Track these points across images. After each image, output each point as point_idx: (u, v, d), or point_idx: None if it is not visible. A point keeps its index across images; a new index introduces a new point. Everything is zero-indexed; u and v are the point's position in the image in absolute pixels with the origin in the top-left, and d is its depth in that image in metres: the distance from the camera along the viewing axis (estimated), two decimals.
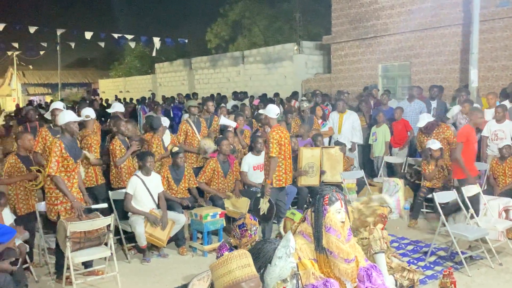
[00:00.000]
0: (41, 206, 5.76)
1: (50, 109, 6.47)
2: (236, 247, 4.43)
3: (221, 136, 7.69)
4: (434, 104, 9.41)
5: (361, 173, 7.98)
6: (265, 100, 13.32)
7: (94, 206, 5.54)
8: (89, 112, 6.75)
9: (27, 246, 5.29)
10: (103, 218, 5.18)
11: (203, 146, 7.58)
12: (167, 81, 23.88)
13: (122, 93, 26.83)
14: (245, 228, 4.48)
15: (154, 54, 20.31)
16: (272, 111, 6.22)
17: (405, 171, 8.54)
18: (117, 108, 8.50)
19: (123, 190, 6.17)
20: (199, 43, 27.69)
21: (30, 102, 26.07)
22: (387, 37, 12.55)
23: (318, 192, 3.66)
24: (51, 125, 6.40)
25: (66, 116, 5.34)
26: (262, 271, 2.92)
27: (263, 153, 6.94)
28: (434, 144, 7.24)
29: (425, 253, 5.94)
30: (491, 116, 7.93)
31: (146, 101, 17.88)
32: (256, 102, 13.09)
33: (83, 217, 5.17)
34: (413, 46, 12.01)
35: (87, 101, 18.27)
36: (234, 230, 4.60)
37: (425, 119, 7.73)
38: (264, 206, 6.02)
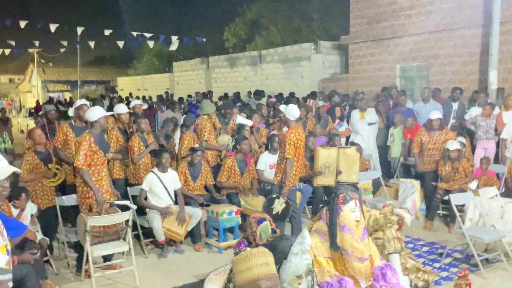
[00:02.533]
0: (63, 201, 5.90)
1: (75, 106, 6.60)
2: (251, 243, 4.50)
3: (239, 134, 7.77)
4: (455, 106, 9.33)
5: (377, 174, 7.97)
6: (281, 99, 13.37)
7: (116, 202, 5.65)
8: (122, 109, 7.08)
9: (48, 239, 5.42)
10: (122, 213, 5.29)
11: (223, 142, 7.70)
12: (185, 80, 24.04)
13: (140, 91, 27.08)
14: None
15: (172, 49, 20.36)
16: (292, 113, 6.21)
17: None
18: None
19: (140, 186, 6.29)
20: (216, 42, 27.81)
21: (50, 99, 26.50)
22: (405, 37, 12.47)
23: (333, 191, 3.70)
24: (72, 121, 6.53)
25: (97, 112, 5.50)
26: (277, 266, 2.97)
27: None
28: (452, 144, 7.18)
29: (441, 254, 5.92)
30: (511, 119, 7.86)
31: (163, 99, 18.05)
32: (272, 100, 13.13)
33: (102, 212, 5.29)
34: (431, 47, 11.92)
35: (105, 99, 18.52)
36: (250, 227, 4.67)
37: (437, 114, 7.71)
38: (279, 206, 6.06)
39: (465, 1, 11.02)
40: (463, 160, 7.29)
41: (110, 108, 11.66)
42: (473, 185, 6.08)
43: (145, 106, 11.45)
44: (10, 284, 2.68)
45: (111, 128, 7.11)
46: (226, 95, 17.01)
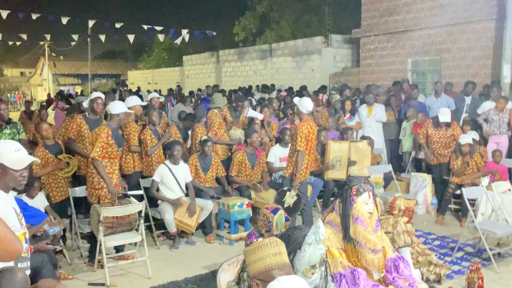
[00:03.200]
0: (75, 192, 5.95)
1: (89, 98, 6.63)
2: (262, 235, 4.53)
3: (249, 127, 7.78)
4: (468, 100, 9.26)
5: (388, 168, 7.95)
6: (291, 93, 13.36)
7: (129, 193, 5.70)
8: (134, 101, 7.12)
9: (61, 230, 5.47)
10: (135, 204, 5.33)
11: (236, 136, 7.72)
12: (195, 74, 24.07)
13: (150, 84, 27.18)
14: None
15: (178, 41, 20.37)
16: (305, 105, 6.20)
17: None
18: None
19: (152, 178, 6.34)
20: (226, 36, 27.79)
21: (61, 92, 26.64)
22: (417, 31, 12.38)
23: (346, 183, 3.70)
24: (86, 113, 6.57)
25: (119, 106, 5.58)
26: (291, 256, 2.99)
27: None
28: (463, 138, 7.14)
29: (452, 248, 5.90)
30: None
31: (174, 93, 18.11)
32: (283, 94, 13.13)
33: (115, 203, 5.33)
34: (444, 41, 11.82)
35: (116, 92, 18.59)
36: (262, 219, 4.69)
37: (445, 114, 7.58)
38: (290, 199, 6.07)
39: None
40: (476, 155, 7.25)
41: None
42: (485, 181, 6.05)
43: (162, 99, 11.52)
44: (28, 271, 2.73)
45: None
46: (239, 89, 17.01)
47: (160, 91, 20.62)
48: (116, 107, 5.61)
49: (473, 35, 11.18)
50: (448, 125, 7.65)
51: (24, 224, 2.86)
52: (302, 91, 13.24)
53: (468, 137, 7.21)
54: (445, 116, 7.56)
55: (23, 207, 4.18)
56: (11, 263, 2.69)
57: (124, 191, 5.74)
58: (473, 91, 9.41)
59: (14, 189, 2.98)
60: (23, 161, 2.84)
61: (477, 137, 7.76)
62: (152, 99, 8.57)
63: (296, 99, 6.54)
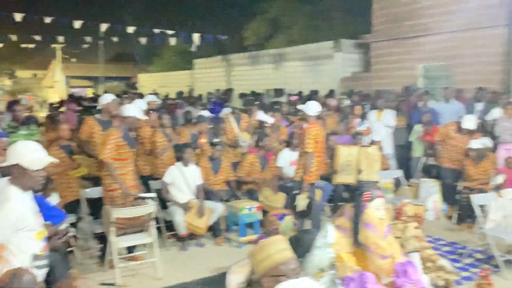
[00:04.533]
0: (87, 193, 6.03)
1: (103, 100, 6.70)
2: None
3: (260, 131, 7.84)
4: (479, 106, 9.22)
5: (398, 173, 7.94)
6: (301, 97, 13.38)
7: (142, 195, 5.76)
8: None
9: (73, 229, 5.55)
10: (146, 206, 5.39)
11: (238, 140, 7.78)
12: (205, 77, 24.16)
13: (161, 87, 27.30)
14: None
15: (193, 49, 20.55)
16: (312, 108, 6.27)
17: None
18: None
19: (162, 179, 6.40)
20: (237, 40, 27.87)
21: (72, 95, 26.85)
22: (428, 37, 12.37)
23: (358, 188, 3.73)
24: (97, 115, 6.64)
25: (132, 110, 5.65)
26: (301, 259, 3.02)
27: None
28: (473, 143, 7.12)
29: (461, 254, 5.89)
30: None
31: (184, 95, 18.17)
32: (293, 98, 13.16)
33: (127, 204, 5.40)
34: (455, 46, 11.80)
35: (126, 95, 18.70)
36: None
37: (471, 121, 7.54)
38: (302, 202, 6.09)
39: (489, 0, 10.89)
40: (487, 160, 7.21)
41: None
42: (500, 179, 6.06)
43: (159, 102, 11.65)
44: (45, 270, 2.79)
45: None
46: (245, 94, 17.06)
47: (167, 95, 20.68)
48: (128, 110, 5.68)
49: (484, 41, 11.15)
50: (471, 133, 7.52)
51: (42, 223, 2.93)
52: (312, 96, 13.25)
53: (479, 143, 7.18)
54: (469, 122, 7.51)
55: (46, 207, 4.25)
56: (27, 263, 2.77)
57: (140, 193, 5.80)
58: (483, 97, 9.37)
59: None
60: (42, 162, 2.92)
61: (489, 144, 7.72)
62: (149, 102, 8.65)
63: (300, 106, 6.62)
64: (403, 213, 4.92)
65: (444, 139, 7.80)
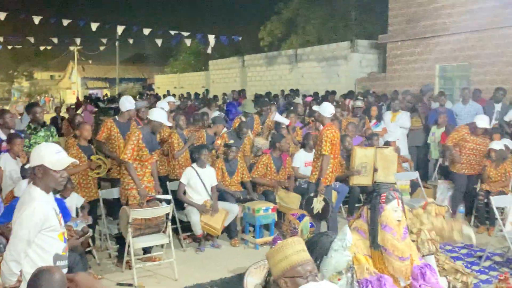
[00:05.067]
0: (104, 193, 6.09)
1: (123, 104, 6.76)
2: None
3: (276, 132, 7.84)
4: (498, 107, 9.07)
5: (415, 175, 7.88)
6: (317, 98, 13.35)
7: (158, 196, 5.81)
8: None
9: (90, 230, 5.62)
10: (163, 207, 5.44)
11: (256, 144, 7.77)
12: (220, 78, 24.25)
13: (176, 88, 27.48)
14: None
15: (209, 51, 20.65)
16: (327, 110, 6.24)
17: None
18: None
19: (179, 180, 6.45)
20: (252, 41, 27.93)
21: (90, 96, 27.16)
22: (446, 37, 12.26)
23: (375, 190, 3.70)
24: (116, 116, 6.71)
25: (158, 115, 5.71)
26: (318, 262, 3.02)
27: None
28: (495, 144, 7.01)
29: (480, 257, 5.83)
30: None
31: (200, 96, 18.28)
32: (309, 99, 13.14)
33: (144, 205, 5.45)
34: (473, 46, 11.67)
35: (143, 96, 18.88)
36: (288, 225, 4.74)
37: (484, 120, 7.25)
38: (318, 205, 6.08)
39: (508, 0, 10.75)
40: (507, 162, 7.10)
41: None
42: None
43: (178, 103, 11.76)
44: (66, 270, 2.84)
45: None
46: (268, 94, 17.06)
47: (189, 94, 20.79)
48: (154, 114, 5.74)
49: (503, 41, 11.01)
50: (486, 132, 7.25)
51: (63, 224, 2.98)
52: (327, 96, 13.21)
53: (501, 144, 7.07)
54: (483, 122, 7.12)
55: (61, 206, 4.31)
56: (51, 263, 2.81)
57: (157, 195, 5.85)
58: (503, 98, 9.23)
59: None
60: (63, 163, 2.97)
61: (510, 145, 7.60)
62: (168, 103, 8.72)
63: (315, 107, 6.59)
64: (426, 212, 4.86)
65: (459, 144, 7.35)
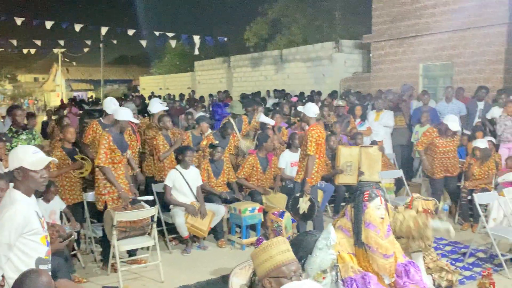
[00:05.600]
0: (89, 196, 6.04)
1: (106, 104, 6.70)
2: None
3: (262, 132, 7.85)
4: (481, 105, 9.19)
5: (399, 173, 7.94)
6: (302, 98, 13.39)
7: (140, 198, 5.77)
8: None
9: (75, 233, 5.56)
10: (148, 209, 5.40)
11: (242, 148, 7.77)
12: (206, 79, 24.21)
13: (162, 90, 27.36)
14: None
15: (196, 52, 20.58)
16: (311, 110, 6.26)
17: None
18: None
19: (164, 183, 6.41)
20: (237, 42, 27.91)
21: (74, 98, 26.92)
22: (429, 36, 12.37)
23: (358, 188, 3.73)
24: (100, 118, 6.65)
25: (124, 114, 5.61)
26: (303, 261, 3.03)
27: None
28: (479, 142, 7.08)
29: (464, 254, 5.89)
30: None
31: (186, 98, 18.21)
32: (294, 99, 13.17)
33: (128, 207, 5.40)
34: (455, 45, 11.80)
35: (129, 98, 18.73)
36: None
37: (455, 121, 7.05)
38: (304, 205, 6.09)
39: None
40: (490, 160, 7.18)
41: None
42: (508, 176, 6.05)
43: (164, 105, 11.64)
44: (49, 274, 2.81)
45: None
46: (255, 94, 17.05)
47: (170, 95, 20.71)
48: (120, 114, 5.63)
49: (485, 40, 11.14)
50: (454, 133, 7.17)
51: (46, 227, 2.94)
52: (313, 97, 13.25)
53: (483, 142, 7.15)
54: (455, 124, 7.01)
55: None
56: (33, 267, 2.78)
57: (135, 197, 5.80)
58: (486, 96, 9.35)
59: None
60: (42, 162, 2.94)
61: (493, 141, 7.69)
62: None
63: (300, 108, 6.61)
64: (412, 208, 4.89)
65: (430, 148, 7.22)
